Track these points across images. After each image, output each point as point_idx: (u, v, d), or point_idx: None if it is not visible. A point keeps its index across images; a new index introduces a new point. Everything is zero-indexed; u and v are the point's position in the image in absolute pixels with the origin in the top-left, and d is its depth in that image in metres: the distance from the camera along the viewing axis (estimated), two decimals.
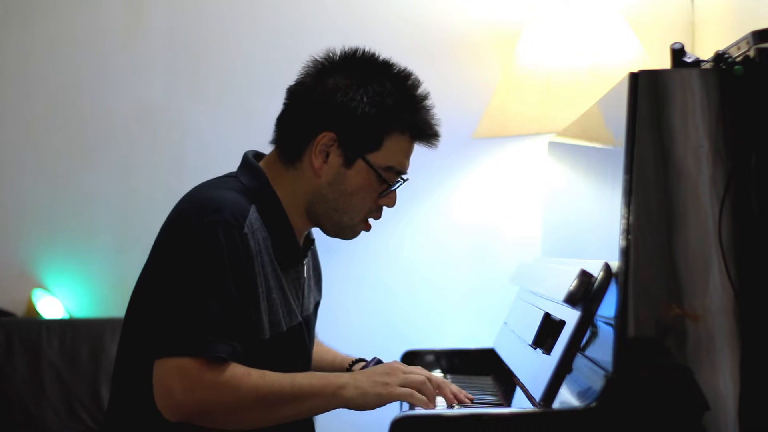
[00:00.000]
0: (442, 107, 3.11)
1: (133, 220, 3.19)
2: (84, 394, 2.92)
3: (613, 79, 2.48)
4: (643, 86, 1.51)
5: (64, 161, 3.25)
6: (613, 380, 1.42)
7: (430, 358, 2.38)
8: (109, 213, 3.22)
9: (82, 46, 3.26)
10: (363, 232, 1.83)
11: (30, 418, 2.89)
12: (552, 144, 2.36)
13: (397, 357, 2.37)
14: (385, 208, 1.83)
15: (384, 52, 1.85)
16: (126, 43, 3.24)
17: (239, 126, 3.18)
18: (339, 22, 3.17)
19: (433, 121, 1.82)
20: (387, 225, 3.12)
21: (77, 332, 2.96)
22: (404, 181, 1.81)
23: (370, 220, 1.82)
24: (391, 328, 3.10)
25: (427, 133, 1.81)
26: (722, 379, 1.44)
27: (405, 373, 1.66)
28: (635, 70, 1.53)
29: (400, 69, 1.80)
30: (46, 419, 2.89)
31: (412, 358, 2.37)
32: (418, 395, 1.63)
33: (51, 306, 3.15)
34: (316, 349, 2.05)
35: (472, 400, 1.77)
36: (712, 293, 1.46)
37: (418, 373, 1.67)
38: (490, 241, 3.11)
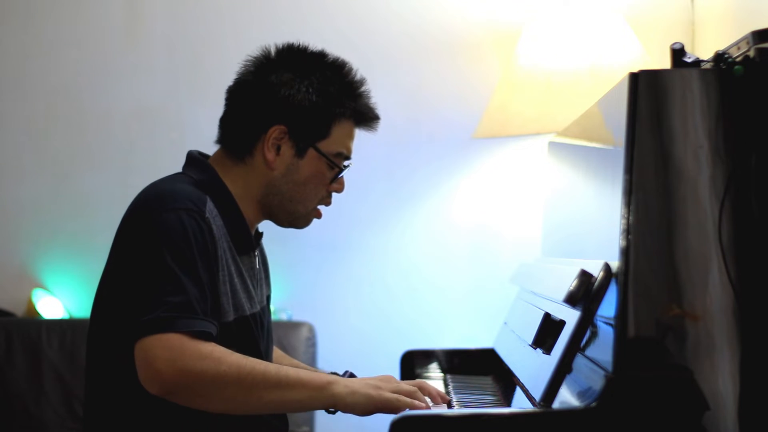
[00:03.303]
0: (442, 107, 3.15)
1: None
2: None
3: (613, 79, 2.48)
4: (643, 86, 1.51)
5: (64, 161, 3.25)
6: (613, 380, 1.42)
7: (430, 358, 2.38)
8: (109, 213, 3.20)
9: (82, 46, 3.26)
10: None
11: (30, 418, 2.89)
12: (552, 144, 2.36)
13: (397, 357, 2.37)
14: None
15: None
16: (126, 43, 3.24)
17: None
18: (339, 23, 3.17)
19: (372, 105, 1.87)
20: (387, 225, 3.13)
21: (77, 332, 2.96)
22: (349, 165, 1.87)
23: (321, 207, 1.88)
24: (391, 328, 3.10)
25: (369, 116, 1.87)
26: (722, 379, 1.44)
27: (398, 382, 1.69)
28: (635, 70, 1.53)
29: (335, 58, 1.86)
30: (46, 419, 2.89)
31: (412, 358, 2.36)
32: (405, 399, 1.63)
33: (51, 306, 3.15)
34: (286, 362, 2.06)
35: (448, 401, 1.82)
36: (712, 293, 1.46)
37: (409, 383, 1.71)
38: (490, 241, 3.11)
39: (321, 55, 1.85)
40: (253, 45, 3.19)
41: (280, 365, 1.65)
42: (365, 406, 1.62)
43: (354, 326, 3.14)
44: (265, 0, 3.22)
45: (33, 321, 3.04)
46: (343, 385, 1.62)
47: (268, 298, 2.00)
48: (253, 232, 1.87)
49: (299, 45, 1.85)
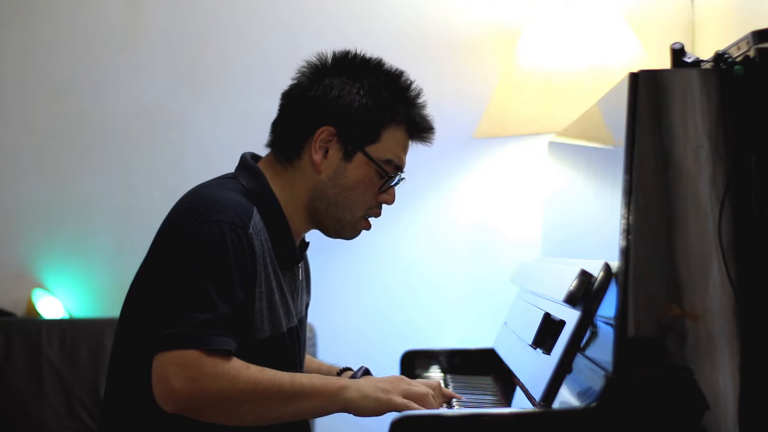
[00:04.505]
0: (442, 107, 3.12)
1: (132, 220, 3.19)
2: (84, 394, 2.92)
3: (613, 79, 2.48)
4: (643, 86, 1.51)
5: (64, 161, 3.25)
6: (613, 380, 1.42)
7: (430, 358, 2.37)
8: (109, 213, 3.22)
9: (82, 46, 3.26)
10: (364, 232, 1.84)
11: (30, 417, 2.89)
12: (552, 144, 2.36)
13: (397, 357, 2.37)
14: (384, 207, 1.84)
15: (384, 52, 1.87)
16: (126, 43, 3.24)
17: (239, 126, 3.18)
18: (339, 23, 3.17)
19: (427, 116, 1.84)
20: (387, 225, 3.12)
21: (77, 332, 2.96)
22: (402, 179, 1.83)
23: (371, 219, 1.83)
24: (391, 328, 3.10)
25: (423, 126, 1.83)
26: (722, 379, 1.44)
27: (408, 384, 1.68)
28: (635, 70, 1.53)
29: (391, 67, 1.84)
30: (46, 419, 2.89)
31: (412, 358, 2.36)
32: (415, 405, 1.62)
33: (51, 306, 3.15)
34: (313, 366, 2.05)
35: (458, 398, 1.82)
36: (712, 293, 1.46)
37: (421, 385, 1.69)
38: (490, 241, 3.11)
39: (378, 63, 1.83)
40: (253, 45, 3.23)
41: (294, 374, 1.63)
42: (376, 410, 1.63)
43: (354, 326, 3.14)
44: (266, 0, 3.22)
45: (33, 321, 3.04)
46: (355, 389, 1.62)
47: (307, 305, 1.98)
48: (299, 242, 1.83)
49: (356, 52, 1.82)
